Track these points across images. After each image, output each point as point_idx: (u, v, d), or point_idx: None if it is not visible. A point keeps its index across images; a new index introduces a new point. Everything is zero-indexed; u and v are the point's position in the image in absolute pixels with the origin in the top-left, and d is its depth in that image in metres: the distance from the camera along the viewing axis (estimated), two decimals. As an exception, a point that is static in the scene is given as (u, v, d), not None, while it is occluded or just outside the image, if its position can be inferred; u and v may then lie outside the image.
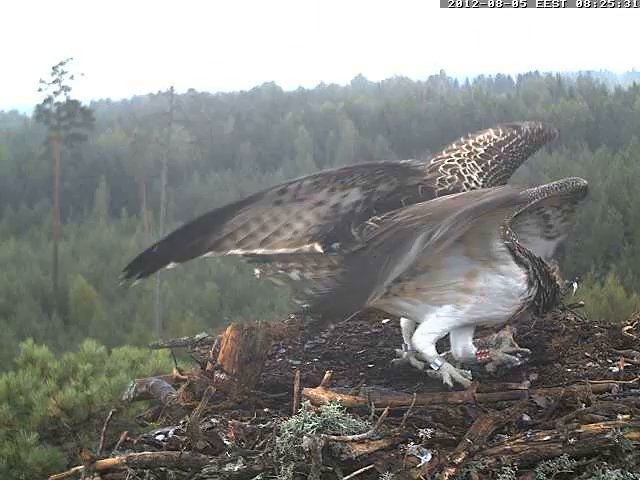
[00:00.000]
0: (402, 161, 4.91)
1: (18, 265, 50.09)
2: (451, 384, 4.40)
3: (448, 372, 4.45)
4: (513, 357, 4.63)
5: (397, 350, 5.16)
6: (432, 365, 4.53)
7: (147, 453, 4.08)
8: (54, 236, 51.85)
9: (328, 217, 4.69)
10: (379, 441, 3.85)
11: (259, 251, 4.62)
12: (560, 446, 3.78)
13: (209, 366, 4.87)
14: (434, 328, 4.51)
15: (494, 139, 5.39)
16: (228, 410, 4.48)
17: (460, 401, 4.22)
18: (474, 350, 4.68)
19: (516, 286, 4.45)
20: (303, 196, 4.60)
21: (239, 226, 4.57)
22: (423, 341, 4.52)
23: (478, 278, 4.43)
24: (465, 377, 4.44)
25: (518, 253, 4.44)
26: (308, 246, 4.71)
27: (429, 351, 4.51)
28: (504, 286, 4.44)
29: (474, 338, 4.73)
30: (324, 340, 5.72)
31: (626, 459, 3.78)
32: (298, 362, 5.30)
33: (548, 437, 3.82)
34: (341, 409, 3.97)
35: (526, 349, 4.75)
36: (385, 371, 4.99)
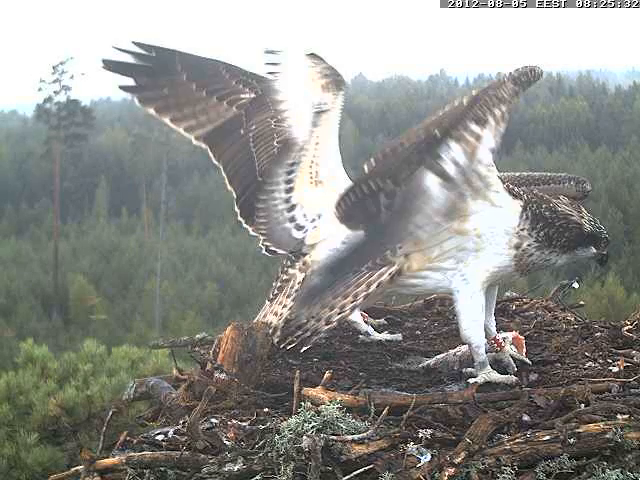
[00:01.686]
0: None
1: (18, 265, 50.09)
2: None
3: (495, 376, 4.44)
4: (514, 364, 4.61)
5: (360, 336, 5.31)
6: (480, 369, 4.48)
7: (147, 453, 4.08)
8: (54, 236, 51.83)
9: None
10: (379, 441, 3.85)
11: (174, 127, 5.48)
12: (560, 446, 3.78)
13: (209, 366, 4.87)
14: (471, 313, 4.33)
15: None
16: (228, 410, 4.48)
17: (460, 401, 4.22)
18: (494, 330, 4.61)
19: (512, 220, 4.28)
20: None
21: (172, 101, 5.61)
22: (474, 334, 4.38)
23: (469, 217, 4.23)
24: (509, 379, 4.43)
25: (507, 182, 4.35)
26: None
27: (482, 350, 4.44)
28: (497, 220, 4.25)
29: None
30: (324, 340, 5.72)
31: (626, 459, 3.78)
32: (298, 362, 5.30)
33: (548, 437, 3.82)
34: (341, 409, 3.97)
35: (527, 360, 4.70)
36: (385, 371, 4.99)
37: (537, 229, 4.28)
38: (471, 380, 4.39)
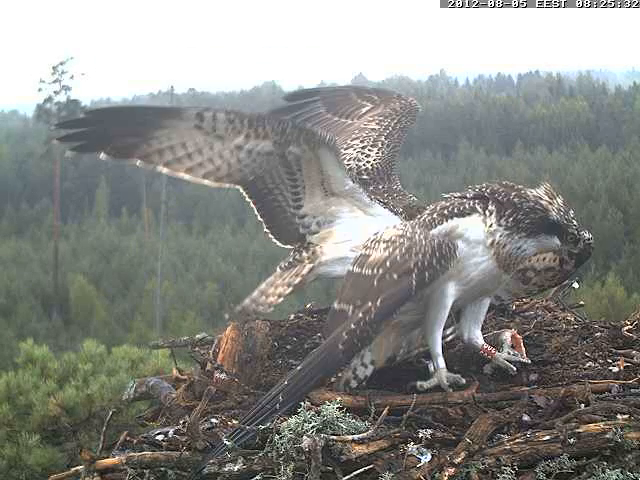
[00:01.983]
0: (309, 125, 5.29)
1: (18, 265, 50.08)
2: (448, 387, 4.38)
3: (445, 375, 4.44)
4: (512, 366, 4.58)
5: None
6: (434, 362, 4.51)
7: (147, 453, 4.08)
8: (54, 236, 51.83)
9: (247, 164, 5.08)
10: (379, 441, 3.85)
11: (185, 177, 5.10)
12: (560, 446, 3.78)
13: (209, 366, 4.87)
14: (436, 311, 4.45)
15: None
16: (228, 410, 4.48)
17: (460, 401, 4.22)
18: (480, 341, 4.62)
19: (476, 228, 4.37)
20: (222, 133, 4.95)
21: (166, 145, 4.98)
22: (435, 330, 4.47)
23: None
24: (459, 380, 4.41)
25: (456, 210, 4.42)
26: (228, 185, 5.19)
27: (438, 346, 4.49)
28: (466, 244, 4.36)
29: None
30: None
31: (626, 459, 3.78)
32: (298, 362, 5.29)
33: (548, 437, 3.82)
34: (341, 409, 3.97)
35: (526, 360, 4.67)
36: (385, 371, 4.98)
37: (505, 215, 4.34)
38: (418, 385, 4.38)
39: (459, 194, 4.54)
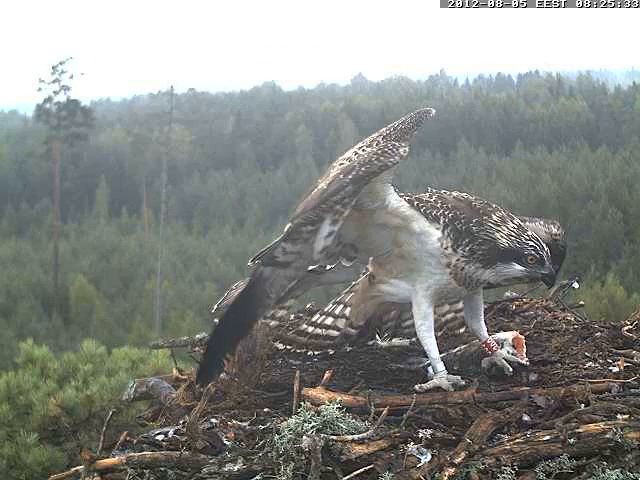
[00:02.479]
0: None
1: (18, 265, 50.11)
2: (451, 388, 4.38)
3: (445, 378, 4.44)
4: (508, 366, 4.58)
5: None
6: (432, 367, 4.53)
7: (147, 453, 4.08)
8: (54, 235, 51.87)
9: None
10: (379, 441, 3.85)
11: None
12: (560, 446, 3.78)
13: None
14: (420, 320, 4.52)
15: None
16: (228, 410, 4.49)
17: (460, 401, 4.22)
18: (484, 334, 4.63)
19: (433, 242, 4.37)
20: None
21: None
22: (425, 336, 4.51)
23: (401, 242, 4.45)
24: (459, 382, 4.42)
25: (424, 208, 4.40)
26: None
27: (434, 351, 4.52)
28: (421, 245, 4.40)
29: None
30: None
31: (626, 459, 3.78)
32: (298, 362, 5.30)
33: (548, 437, 3.82)
34: (341, 409, 3.97)
35: (524, 361, 4.65)
36: (385, 371, 4.99)
37: (462, 245, 4.35)
38: (417, 387, 4.39)
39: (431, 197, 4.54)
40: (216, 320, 5.14)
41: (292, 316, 6.28)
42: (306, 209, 4.19)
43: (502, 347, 4.69)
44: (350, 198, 4.15)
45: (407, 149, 4.23)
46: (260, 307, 4.38)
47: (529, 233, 4.32)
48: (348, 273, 4.93)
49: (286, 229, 4.27)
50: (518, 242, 4.27)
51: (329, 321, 5.09)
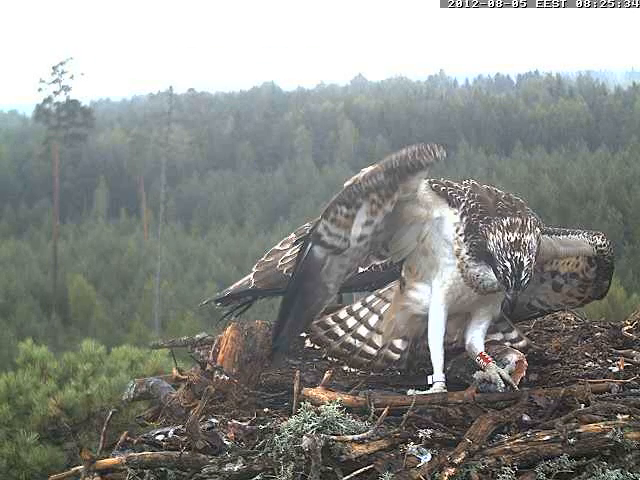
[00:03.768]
0: None
1: (18, 265, 50.08)
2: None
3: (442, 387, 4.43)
4: (499, 385, 4.41)
5: None
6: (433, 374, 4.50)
7: (147, 453, 4.08)
8: (54, 236, 51.83)
9: None
10: (379, 441, 3.85)
11: None
12: (560, 446, 3.78)
13: (209, 366, 4.87)
14: (432, 326, 4.54)
15: None
16: (228, 410, 4.48)
17: (460, 401, 4.22)
18: (481, 347, 4.57)
19: (449, 227, 4.40)
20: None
21: None
22: (434, 341, 4.53)
23: (423, 235, 4.50)
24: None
25: (450, 192, 4.42)
26: None
27: (438, 358, 4.54)
28: (438, 233, 4.44)
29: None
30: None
31: (626, 459, 3.78)
32: (298, 362, 5.30)
33: (548, 437, 3.82)
34: (341, 409, 3.97)
35: (515, 385, 4.45)
36: (384, 371, 4.98)
37: (469, 239, 4.36)
38: (410, 392, 4.40)
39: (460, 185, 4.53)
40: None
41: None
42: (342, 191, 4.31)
43: (504, 367, 4.55)
44: (386, 190, 4.27)
45: (444, 153, 4.29)
46: (319, 295, 4.44)
47: (517, 255, 4.20)
48: None
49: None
50: (499, 254, 4.23)
51: (363, 332, 4.85)
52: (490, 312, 4.68)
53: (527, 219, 4.29)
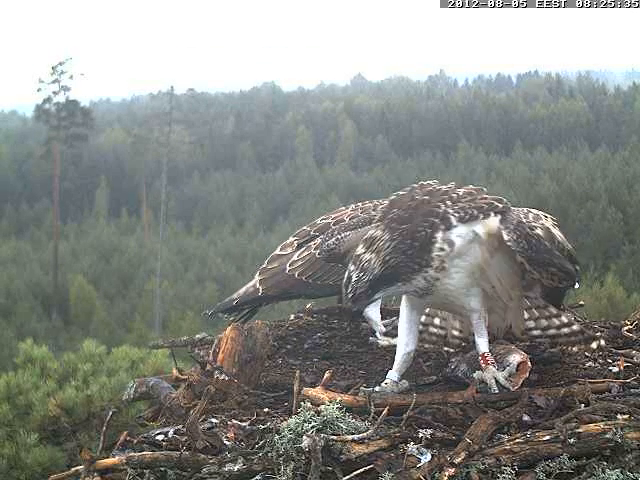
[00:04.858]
0: None
1: (18, 265, 50.14)
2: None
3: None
4: (495, 387, 4.35)
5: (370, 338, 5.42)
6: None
7: (147, 453, 4.07)
8: (54, 236, 51.85)
9: None
10: (379, 441, 3.85)
11: None
12: (560, 446, 3.78)
13: (209, 366, 4.87)
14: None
15: None
16: (228, 410, 4.48)
17: (460, 401, 4.22)
18: (483, 348, 4.50)
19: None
20: None
21: None
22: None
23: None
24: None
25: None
26: None
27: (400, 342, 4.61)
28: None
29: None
30: (324, 340, 5.73)
31: (626, 459, 3.78)
32: (298, 362, 5.30)
33: (548, 437, 3.82)
34: (341, 409, 3.97)
35: (510, 387, 4.38)
36: (385, 371, 4.98)
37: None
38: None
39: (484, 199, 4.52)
40: None
41: (292, 316, 6.28)
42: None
43: (504, 369, 4.52)
44: None
45: None
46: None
47: (351, 268, 4.15)
48: None
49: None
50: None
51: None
52: (472, 309, 4.49)
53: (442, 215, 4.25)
